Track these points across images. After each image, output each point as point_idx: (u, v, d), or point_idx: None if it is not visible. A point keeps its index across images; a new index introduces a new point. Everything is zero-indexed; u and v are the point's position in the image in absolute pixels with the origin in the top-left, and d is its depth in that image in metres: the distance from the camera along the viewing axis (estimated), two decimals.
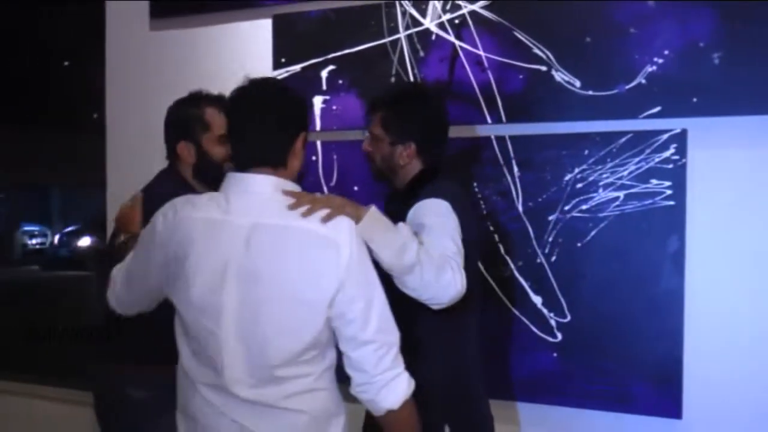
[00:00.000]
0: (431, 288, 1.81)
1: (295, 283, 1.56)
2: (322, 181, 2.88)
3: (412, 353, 1.78)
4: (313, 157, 2.90)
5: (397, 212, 2.01)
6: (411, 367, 1.72)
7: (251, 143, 1.67)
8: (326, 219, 1.61)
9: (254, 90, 1.69)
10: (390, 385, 1.62)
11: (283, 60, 2.95)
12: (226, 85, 2.53)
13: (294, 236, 1.58)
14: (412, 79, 2.73)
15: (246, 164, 1.68)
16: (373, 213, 1.76)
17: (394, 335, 1.64)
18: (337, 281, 1.57)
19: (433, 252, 1.83)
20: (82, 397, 3.40)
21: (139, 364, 2.23)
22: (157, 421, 2.11)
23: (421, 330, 2.00)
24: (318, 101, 2.87)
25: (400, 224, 1.85)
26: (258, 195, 1.64)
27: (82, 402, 3.30)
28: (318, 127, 2.89)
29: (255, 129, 1.66)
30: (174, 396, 1.94)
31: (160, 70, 3.21)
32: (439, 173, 2.15)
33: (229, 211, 1.61)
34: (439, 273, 1.81)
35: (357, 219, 1.69)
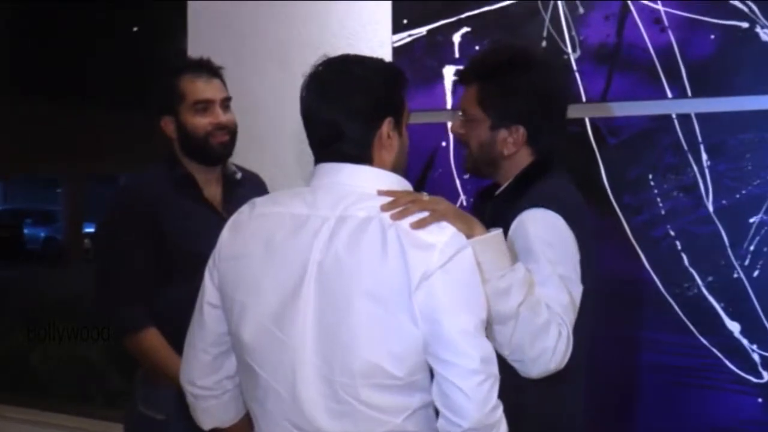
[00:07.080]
0: (519, 352, 1.64)
1: (375, 275, 1.47)
2: (454, 173, 2.62)
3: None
4: (443, 143, 2.64)
5: (496, 217, 1.81)
6: None
7: (320, 134, 1.60)
8: (417, 225, 1.47)
9: (327, 68, 1.62)
10: (500, 424, 1.50)
11: (405, 21, 2.69)
12: (333, 54, 2.28)
13: (383, 230, 1.48)
14: (568, 44, 2.44)
15: (319, 159, 1.62)
16: (493, 237, 1.63)
17: (496, 365, 1.51)
18: (421, 284, 1.44)
19: (541, 307, 1.64)
20: None
21: (149, 381, 2.29)
22: None
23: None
24: (449, 72, 2.61)
25: (519, 264, 1.66)
26: (348, 187, 1.57)
27: None
28: (449, 105, 2.61)
29: (322, 116, 1.58)
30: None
31: (258, 40, 2.99)
32: (550, 168, 1.91)
33: (316, 205, 1.56)
34: (536, 339, 1.63)
35: (466, 236, 1.55)
